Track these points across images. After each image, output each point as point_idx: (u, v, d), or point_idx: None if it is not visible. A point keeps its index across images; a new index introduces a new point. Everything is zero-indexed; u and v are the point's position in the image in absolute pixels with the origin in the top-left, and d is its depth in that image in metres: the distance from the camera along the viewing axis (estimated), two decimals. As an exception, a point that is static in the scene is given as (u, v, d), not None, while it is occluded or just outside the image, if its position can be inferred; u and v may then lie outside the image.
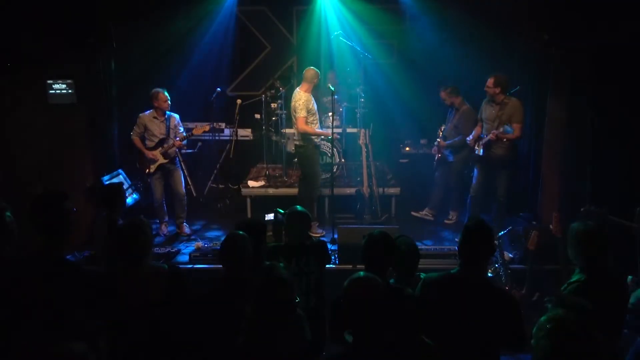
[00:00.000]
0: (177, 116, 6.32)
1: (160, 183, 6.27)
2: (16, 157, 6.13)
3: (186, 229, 6.43)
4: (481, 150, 5.91)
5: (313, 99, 6.12)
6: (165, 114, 6.17)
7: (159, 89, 6.08)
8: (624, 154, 5.57)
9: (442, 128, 6.76)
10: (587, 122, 5.91)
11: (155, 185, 6.24)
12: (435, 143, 6.78)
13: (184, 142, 6.43)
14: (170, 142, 6.18)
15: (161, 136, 6.16)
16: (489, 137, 5.75)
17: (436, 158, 6.84)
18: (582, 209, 4.65)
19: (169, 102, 6.12)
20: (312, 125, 6.08)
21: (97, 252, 4.02)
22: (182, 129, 6.35)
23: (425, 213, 6.93)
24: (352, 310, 2.30)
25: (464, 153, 6.49)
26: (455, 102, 6.60)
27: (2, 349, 2.41)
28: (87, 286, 2.85)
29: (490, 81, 5.74)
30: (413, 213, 6.96)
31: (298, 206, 3.93)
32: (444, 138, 6.68)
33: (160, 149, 6.15)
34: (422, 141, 7.79)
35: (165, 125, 6.17)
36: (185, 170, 7.33)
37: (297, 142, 6.24)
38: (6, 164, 6.06)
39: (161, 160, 6.17)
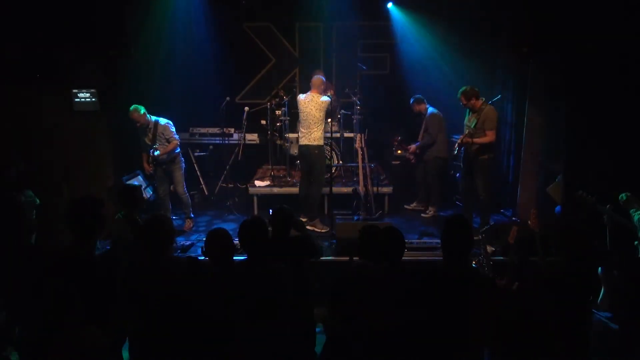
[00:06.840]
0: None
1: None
2: (44, 159, 6.11)
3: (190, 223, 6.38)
4: (461, 151, 5.95)
5: None
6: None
7: None
8: (596, 154, 5.56)
9: (397, 138, 7.02)
10: (562, 125, 5.91)
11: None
12: (410, 155, 6.90)
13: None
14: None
15: None
16: (460, 141, 5.76)
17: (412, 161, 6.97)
18: (575, 194, 4.66)
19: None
20: None
21: (116, 248, 3.99)
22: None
23: (415, 205, 7.06)
24: (345, 295, 2.33)
25: (434, 153, 6.59)
26: (421, 109, 6.73)
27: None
28: (108, 279, 2.87)
29: (461, 98, 5.74)
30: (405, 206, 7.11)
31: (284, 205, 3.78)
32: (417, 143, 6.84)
33: None
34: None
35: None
36: (198, 171, 7.47)
37: (316, 143, 5.88)
38: (35, 165, 6.04)
39: None
